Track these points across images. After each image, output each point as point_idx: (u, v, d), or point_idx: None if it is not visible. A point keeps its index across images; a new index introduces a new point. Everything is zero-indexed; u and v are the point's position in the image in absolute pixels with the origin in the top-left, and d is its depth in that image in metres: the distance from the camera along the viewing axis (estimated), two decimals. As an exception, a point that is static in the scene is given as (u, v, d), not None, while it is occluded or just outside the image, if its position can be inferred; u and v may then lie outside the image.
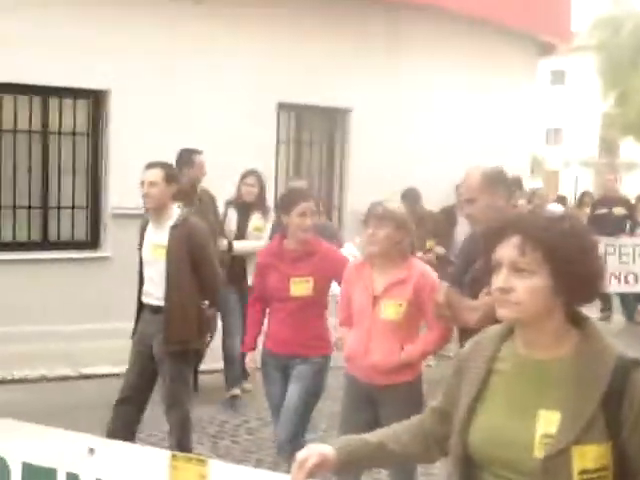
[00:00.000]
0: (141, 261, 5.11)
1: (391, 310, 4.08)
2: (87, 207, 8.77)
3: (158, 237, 4.96)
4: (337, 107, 10.13)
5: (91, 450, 2.63)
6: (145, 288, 5.07)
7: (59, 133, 8.58)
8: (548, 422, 1.95)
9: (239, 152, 8.61)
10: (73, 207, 8.73)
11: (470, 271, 3.76)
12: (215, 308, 5.50)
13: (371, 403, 4.16)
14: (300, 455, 2.10)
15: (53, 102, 8.51)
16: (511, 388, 2.04)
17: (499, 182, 3.93)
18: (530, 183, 25.68)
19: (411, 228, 4.17)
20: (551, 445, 1.92)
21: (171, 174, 5.00)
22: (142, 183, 4.92)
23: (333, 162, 10.45)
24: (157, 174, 4.91)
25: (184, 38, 8.78)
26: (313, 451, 2.12)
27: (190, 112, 8.79)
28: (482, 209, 3.83)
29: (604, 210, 11.53)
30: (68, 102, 8.58)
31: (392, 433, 2.29)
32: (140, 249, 5.11)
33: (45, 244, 8.63)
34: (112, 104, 8.55)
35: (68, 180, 8.68)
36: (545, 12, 11.87)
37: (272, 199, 8.05)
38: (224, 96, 9.03)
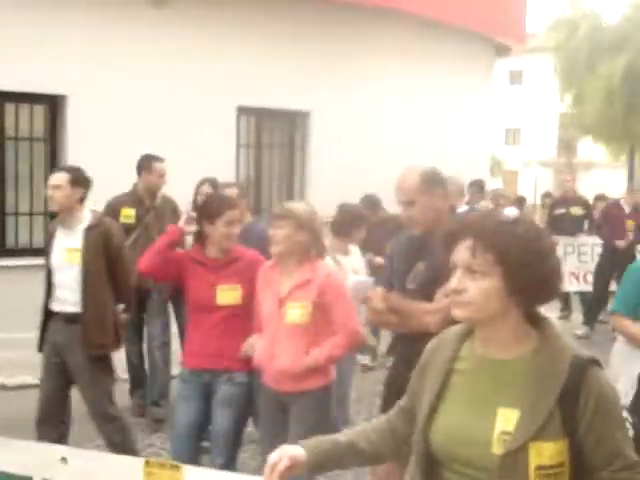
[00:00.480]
0: (48, 268, 4.95)
1: (296, 313, 3.94)
2: (45, 214, 8.68)
3: (70, 241, 4.86)
4: (297, 110, 10.14)
5: (63, 459, 2.60)
6: (57, 295, 4.91)
7: (16, 139, 8.48)
8: (507, 420, 1.99)
9: (199, 156, 8.58)
10: (31, 214, 8.64)
11: (413, 273, 3.76)
12: (129, 312, 5.36)
13: (283, 411, 4.03)
14: (272, 458, 2.13)
15: (9, 107, 8.41)
16: (471, 387, 2.08)
17: (437, 183, 3.91)
18: (490, 184, 25.93)
19: (316, 228, 4.04)
20: (509, 442, 1.96)
21: (77, 177, 4.88)
22: (48, 187, 4.87)
23: (293, 165, 10.46)
24: (61, 177, 4.84)
25: (142, 42, 8.72)
26: (284, 453, 2.14)
27: (148, 117, 8.72)
28: (422, 211, 3.80)
29: (562, 210, 11.67)
30: (25, 107, 8.47)
31: (362, 432, 2.32)
32: (47, 256, 4.97)
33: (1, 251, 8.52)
34: (69, 109, 8.46)
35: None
36: (501, 14, 12.04)
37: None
38: (183, 100, 8.99)
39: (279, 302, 3.97)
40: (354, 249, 6.13)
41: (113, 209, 6.45)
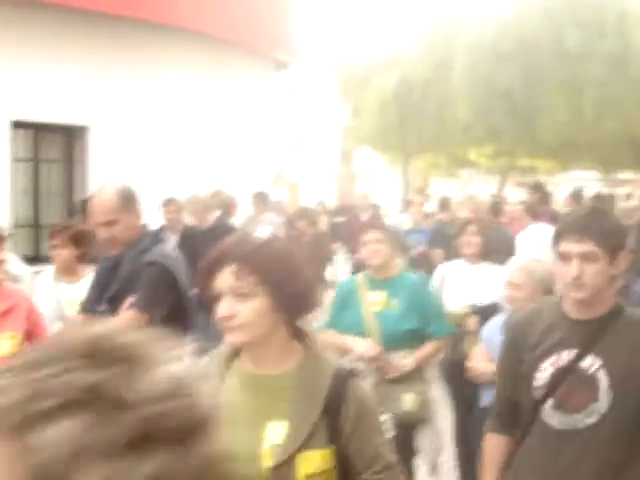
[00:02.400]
0: None
1: (5, 344, 3.59)
2: None
3: None
4: (74, 124, 9.90)
5: None
6: None
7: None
8: (276, 433, 2.08)
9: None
10: None
11: (105, 297, 3.82)
12: None
13: None
14: None
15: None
16: (241, 404, 2.12)
17: (134, 200, 3.91)
18: (275, 195, 26.39)
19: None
20: (278, 454, 2.05)
21: None
22: None
23: (73, 180, 10.19)
24: None
25: None
26: None
27: None
28: (124, 230, 3.78)
29: (342, 218, 12.16)
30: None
31: None
32: None
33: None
34: None
35: None
36: (278, 30, 12.35)
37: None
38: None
39: None
40: None
41: None
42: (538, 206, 10.01)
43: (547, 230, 7.59)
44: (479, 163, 30.65)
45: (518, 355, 2.83)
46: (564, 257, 2.70)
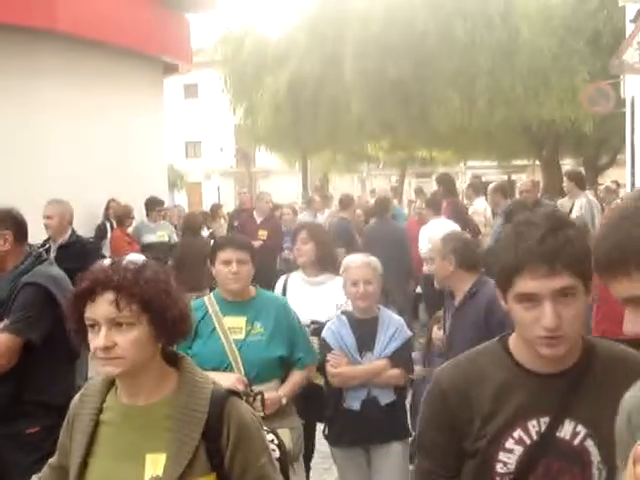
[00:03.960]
0: None
1: None
2: None
3: None
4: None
5: None
6: None
7: None
8: (155, 464, 1.98)
9: None
10: None
11: None
12: None
13: None
14: None
15: None
16: (119, 437, 2.05)
17: (5, 221, 3.89)
18: (175, 198, 26.05)
19: None
20: None
21: None
22: None
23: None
24: None
25: None
26: None
27: None
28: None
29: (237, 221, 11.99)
30: None
31: None
32: None
33: None
34: None
35: None
36: (165, 35, 12.12)
37: None
38: None
39: None
40: None
41: None
42: (442, 199, 10.05)
43: (447, 224, 7.61)
44: (377, 157, 31.01)
45: (457, 429, 2.07)
46: (526, 299, 1.93)
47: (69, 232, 7.52)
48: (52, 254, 6.75)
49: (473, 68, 18.99)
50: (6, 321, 3.73)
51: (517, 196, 11.24)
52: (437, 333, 5.14)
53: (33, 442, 3.74)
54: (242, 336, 3.93)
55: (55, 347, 3.77)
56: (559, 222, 1.94)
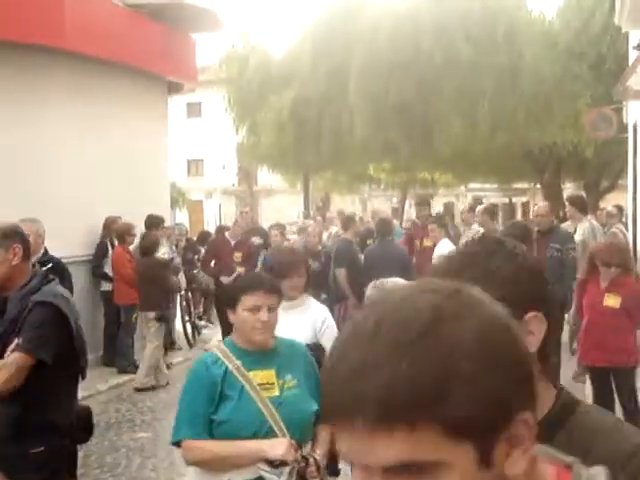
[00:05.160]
0: None
1: None
2: None
3: None
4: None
5: None
6: None
7: None
8: None
9: None
10: None
11: None
12: None
13: None
14: None
15: None
16: None
17: (13, 238, 3.87)
18: (176, 217, 26.06)
19: None
20: None
21: None
22: None
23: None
24: None
25: None
26: None
27: None
28: (3, 270, 3.79)
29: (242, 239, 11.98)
30: None
31: None
32: None
33: None
34: None
35: None
36: (171, 54, 12.17)
37: None
38: None
39: None
40: None
41: None
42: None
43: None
44: (379, 178, 31.06)
45: None
46: None
47: (42, 250, 7.48)
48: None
49: (476, 91, 19.06)
50: (17, 340, 3.71)
51: (530, 218, 11.24)
52: None
53: (37, 462, 3.72)
54: (277, 392, 3.36)
55: (63, 367, 3.77)
56: None
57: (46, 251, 7.58)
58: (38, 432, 3.75)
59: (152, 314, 9.85)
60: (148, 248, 10.01)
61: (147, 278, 9.72)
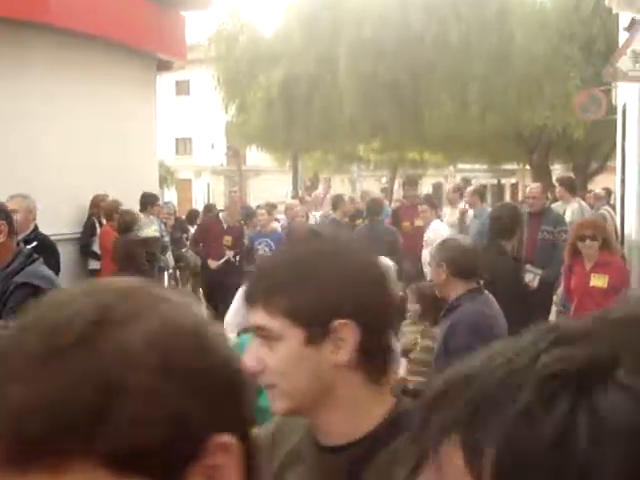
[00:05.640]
0: None
1: None
2: None
3: None
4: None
5: None
6: None
7: None
8: None
9: None
10: None
11: None
12: None
13: None
14: None
15: None
16: None
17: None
18: (164, 196, 25.98)
19: None
20: None
21: None
22: None
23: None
24: None
25: None
26: None
27: None
28: None
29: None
30: None
31: None
32: None
33: None
34: None
35: None
36: (160, 31, 12.06)
37: None
38: None
39: None
40: None
41: None
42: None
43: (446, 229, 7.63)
44: (368, 158, 31.00)
45: None
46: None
47: (31, 228, 7.35)
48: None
49: (467, 72, 19.00)
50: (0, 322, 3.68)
51: (519, 199, 11.24)
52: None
53: None
54: None
55: None
56: None
57: (36, 227, 7.48)
58: None
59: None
60: (127, 223, 9.68)
61: (123, 256, 9.43)
